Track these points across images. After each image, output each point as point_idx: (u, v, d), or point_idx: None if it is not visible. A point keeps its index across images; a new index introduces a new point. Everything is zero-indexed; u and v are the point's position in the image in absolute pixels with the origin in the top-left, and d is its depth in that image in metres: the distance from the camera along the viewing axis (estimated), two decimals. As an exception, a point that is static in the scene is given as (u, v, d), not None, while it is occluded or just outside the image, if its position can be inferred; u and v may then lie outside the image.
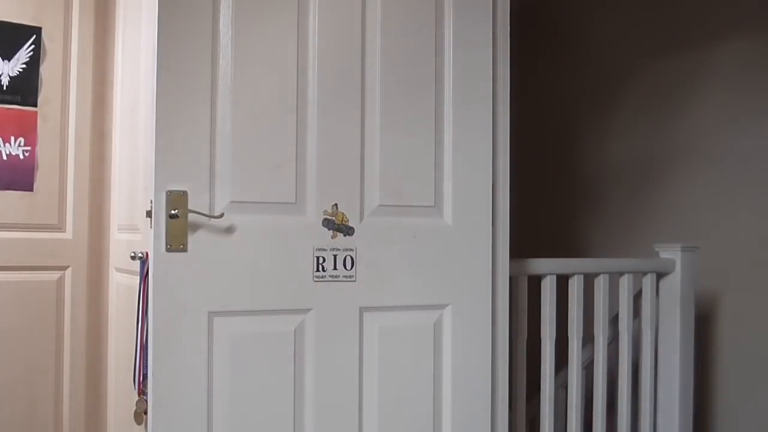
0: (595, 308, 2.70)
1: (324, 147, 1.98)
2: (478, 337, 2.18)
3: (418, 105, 2.11)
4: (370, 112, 2.05)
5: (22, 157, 2.64)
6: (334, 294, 1.98)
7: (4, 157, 2.61)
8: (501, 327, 2.26)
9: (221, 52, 1.87)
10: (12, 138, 2.62)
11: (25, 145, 2.65)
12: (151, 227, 1.80)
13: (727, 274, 3.37)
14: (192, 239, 1.81)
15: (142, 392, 2.07)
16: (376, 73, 2.05)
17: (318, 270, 1.96)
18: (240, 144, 1.88)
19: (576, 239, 4.11)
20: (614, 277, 2.74)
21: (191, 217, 1.81)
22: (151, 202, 1.80)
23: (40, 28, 2.67)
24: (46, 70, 2.68)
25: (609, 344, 2.76)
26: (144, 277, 2.06)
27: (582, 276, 2.65)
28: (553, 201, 4.25)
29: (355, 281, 2.01)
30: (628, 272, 2.76)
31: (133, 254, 2.12)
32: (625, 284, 2.76)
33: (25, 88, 2.64)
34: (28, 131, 2.65)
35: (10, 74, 2.62)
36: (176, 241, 1.79)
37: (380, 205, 2.05)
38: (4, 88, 2.61)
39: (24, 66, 2.64)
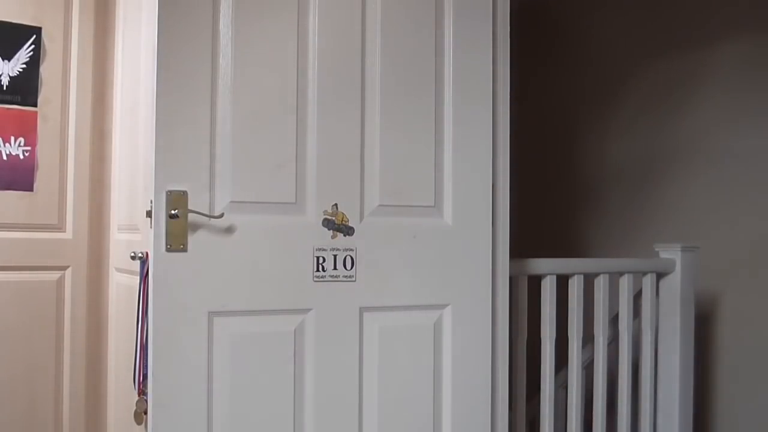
0: (595, 308, 2.70)
1: (324, 147, 1.98)
2: (478, 337, 2.18)
3: (418, 105, 2.11)
4: (370, 112, 2.05)
5: (22, 157, 2.64)
6: (334, 294, 1.98)
7: (4, 157, 2.61)
8: (501, 327, 2.26)
9: (221, 52, 1.87)
10: (12, 138, 2.62)
11: (25, 145, 2.65)
12: (151, 227, 1.80)
13: (727, 274, 3.37)
14: (192, 239, 1.81)
15: (142, 392, 2.07)
16: (376, 73, 2.05)
17: (318, 270, 1.96)
18: (240, 144, 1.88)
19: (576, 239, 4.11)
20: (614, 277, 2.74)
21: (191, 217, 1.81)
22: (151, 202, 1.80)
23: (40, 28, 2.67)
24: (46, 70, 2.68)
25: (609, 344, 2.76)
26: (144, 277, 2.06)
27: (582, 276, 2.65)
28: (553, 201, 4.25)
29: (355, 281, 2.01)
30: (628, 272, 2.76)
31: (133, 254, 2.12)
32: (625, 284, 2.76)
33: (25, 88, 2.64)
34: (28, 131, 2.65)
35: (10, 74, 2.62)
36: (176, 241, 1.79)
37: (380, 205, 2.06)
38: (4, 88, 2.61)
39: (24, 66, 2.64)
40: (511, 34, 2.29)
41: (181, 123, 1.81)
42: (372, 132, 2.05)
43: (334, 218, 1.99)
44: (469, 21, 2.17)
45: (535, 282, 2.55)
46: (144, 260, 2.07)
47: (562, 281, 2.62)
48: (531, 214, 4.13)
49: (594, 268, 2.70)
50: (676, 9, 3.63)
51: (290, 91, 1.94)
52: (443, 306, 2.14)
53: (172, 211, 1.78)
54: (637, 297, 2.86)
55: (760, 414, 3.25)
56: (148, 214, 1.83)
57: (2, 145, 2.61)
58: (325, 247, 1.97)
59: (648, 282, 2.82)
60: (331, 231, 1.98)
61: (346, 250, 2.00)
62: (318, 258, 1.96)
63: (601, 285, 2.69)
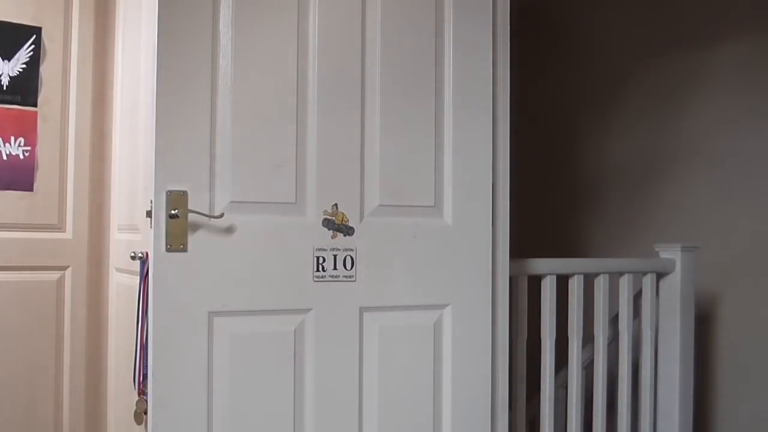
0: (595, 308, 2.70)
1: (324, 147, 1.98)
2: (478, 337, 2.18)
3: (418, 105, 2.11)
4: (370, 112, 2.05)
5: (22, 157, 2.64)
6: (334, 294, 1.98)
7: (4, 157, 2.61)
8: (501, 327, 2.26)
9: (221, 53, 1.87)
10: (12, 138, 2.62)
11: (25, 145, 2.65)
12: (151, 227, 1.80)
13: (727, 274, 3.37)
14: (192, 239, 1.81)
15: (142, 392, 2.07)
16: (376, 73, 2.05)
17: (318, 270, 1.96)
18: (240, 144, 1.88)
19: (576, 239, 4.11)
20: (614, 277, 2.74)
21: (191, 217, 1.81)
22: (151, 202, 1.80)
23: (40, 28, 2.67)
24: (46, 70, 2.68)
25: (609, 344, 2.76)
26: (144, 277, 2.06)
27: (582, 276, 2.65)
28: (554, 201, 4.25)
29: (355, 281, 2.01)
30: (628, 272, 2.76)
31: (133, 254, 2.12)
32: (625, 284, 2.76)
33: (25, 88, 2.64)
34: (28, 131, 2.65)
35: (10, 74, 2.62)
36: (176, 241, 1.79)
37: (380, 205, 2.06)
38: (4, 88, 2.61)
39: (24, 66, 2.64)
40: (512, 34, 2.29)
41: (181, 123, 1.81)
42: (372, 132, 2.05)
43: (334, 218, 1.99)
44: (468, 21, 2.17)
45: (535, 282, 2.55)
46: (144, 260, 2.07)
47: (562, 281, 2.62)
48: (531, 214, 4.13)
49: (594, 268, 2.70)
50: (676, 9, 3.63)
51: (290, 91, 1.94)
52: (443, 306, 2.14)
53: (172, 211, 1.78)
54: (637, 297, 2.86)
55: (760, 414, 3.25)
56: (148, 214, 1.83)
57: (2, 145, 2.61)
58: (325, 247, 1.97)
59: (648, 282, 2.82)
60: (331, 231, 1.98)
61: (346, 250, 2.00)
62: (318, 258, 1.96)
63: (601, 285, 2.69)
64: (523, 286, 2.53)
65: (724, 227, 3.40)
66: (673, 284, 2.87)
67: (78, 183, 2.72)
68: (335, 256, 1.98)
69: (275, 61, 1.92)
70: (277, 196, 1.93)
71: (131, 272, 2.31)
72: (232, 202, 1.87)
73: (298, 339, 1.95)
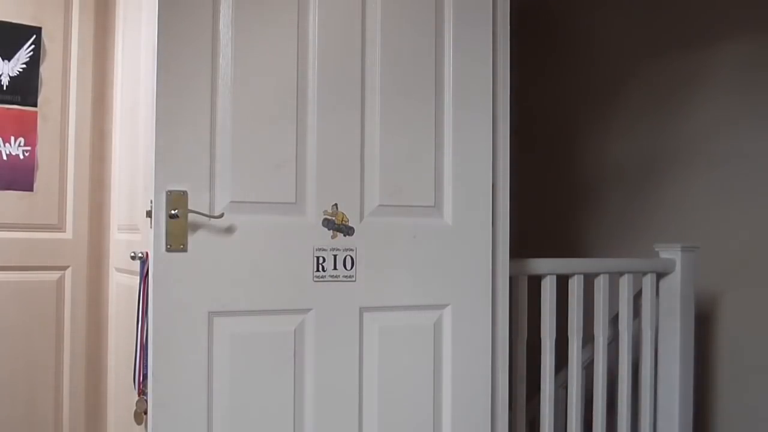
0: (595, 308, 2.70)
1: (324, 147, 1.98)
2: (478, 337, 2.18)
3: (418, 105, 2.10)
4: (370, 112, 2.05)
5: (22, 157, 2.64)
6: (334, 294, 1.98)
7: (4, 157, 2.61)
8: (501, 327, 2.26)
9: (221, 53, 1.87)
10: (12, 138, 2.62)
11: (25, 145, 2.65)
12: (151, 227, 1.80)
13: (727, 274, 3.37)
14: (192, 239, 1.81)
15: (142, 392, 2.07)
16: (376, 73, 2.05)
17: (318, 270, 1.96)
18: (240, 144, 1.88)
19: (576, 239, 4.11)
20: (614, 277, 2.74)
21: (191, 217, 1.81)
22: (151, 202, 1.80)
23: (40, 28, 2.67)
24: (46, 70, 2.68)
25: (609, 344, 2.76)
26: (144, 277, 2.06)
27: (582, 276, 2.65)
28: (554, 201, 4.25)
29: (355, 281, 2.01)
30: (628, 272, 2.76)
31: (133, 254, 2.12)
32: (625, 284, 2.76)
33: (25, 88, 2.64)
34: (28, 131, 2.65)
35: (10, 74, 2.62)
36: (176, 241, 1.79)
37: (380, 205, 2.06)
38: (4, 88, 2.61)
39: (24, 66, 2.64)
40: (512, 34, 2.29)
41: (181, 123, 1.81)
42: (372, 132, 2.05)
43: (334, 218, 1.99)
44: (468, 20, 2.17)
45: (535, 282, 2.55)
46: (144, 260, 2.07)
47: (562, 281, 2.62)
48: (531, 214, 4.13)
49: (594, 268, 2.70)
50: (677, 9, 3.63)
51: (290, 91, 1.94)
52: (443, 306, 2.14)
53: (172, 211, 1.78)
54: (637, 297, 2.86)
55: (760, 414, 3.25)
56: (148, 214, 1.83)
57: (2, 145, 2.61)
58: (325, 247, 1.97)
59: (648, 282, 2.82)
60: (331, 231, 1.98)
61: (346, 250, 2.00)
62: (318, 258, 1.96)
63: (601, 285, 2.69)
64: (523, 286, 2.53)
65: (724, 227, 3.40)
66: (673, 284, 2.87)
67: (78, 183, 2.72)
68: (335, 256, 1.98)
69: (275, 61, 1.92)
70: (277, 196, 1.92)
71: (131, 272, 2.31)
72: (232, 202, 1.87)
73: (298, 339, 1.95)
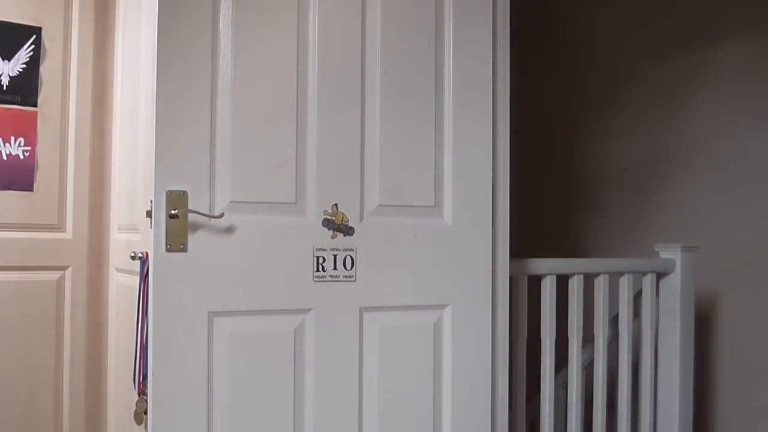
0: (595, 308, 2.70)
1: (324, 147, 1.98)
2: (478, 337, 2.18)
3: (418, 104, 2.10)
4: (370, 112, 2.05)
5: (22, 157, 2.64)
6: (334, 294, 1.98)
7: (4, 157, 2.61)
8: (501, 327, 2.26)
9: (221, 53, 1.87)
10: (12, 138, 2.62)
11: (25, 145, 2.65)
12: (151, 227, 1.80)
13: (727, 274, 3.37)
14: (192, 239, 1.81)
15: (142, 392, 2.07)
16: (376, 73, 2.05)
17: (318, 270, 1.96)
18: (240, 144, 1.88)
19: (577, 239, 4.11)
20: (614, 277, 2.74)
21: (191, 217, 1.81)
22: (151, 202, 1.80)
23: (40, 28, 2.67)
24: (46, 70, 2.68)
25: (609, 344, 2.76)
26: (144, 277, 2.06)
27: (582, 276, 2.65)
28: (554, 201, 4.25)
29: (355, 281, 2.01)
30: (628, 272, 2.76)
31: (133, 254, 2.12)
32: (625, 284, 2.76)
33: (25, 88, 2.64)
34: (28, 131, 2.65)
35: (10, 74, 2.62)
36: (176, 241, 1.79)
37: (380, 205, 2.06)
38: (4, 88, 2.61)
39: (24, 66, 2.64)
40: (512, 33, 2.29)
41: (181, 123, 1.81)
42: (372, 132, 2.05)
43: (334, 218, 1.99)
44: (468, 21, 2.17)
45: (535, 282, 2.55)
46: (144, 260, 2.07)
47: (562, 281, 2.62)
48: (531, 214, 4.13)
49: (594, 268, 2.70)
50: (677, 9, 3.63)
51: (290, 91, 1.94)
52: (443, 306, 2.14)
53: (172, 211, 1.78)
54: (637, 297, 2.86)
55: (761, 414, 3.25)
56: (148, 214, 1.83)
57: (2, 145, 2.61)
58: (325, 247, 1.97)
59: (648, 282, 2.82)
60: (331, 231, 1.98)
61: (346, 250, 2.00)
62: (318, 258, 1.96)
63: (601, 285, 2.69)
64: (523, 286, 2.52)
65: (724, 227, 3.40)
66: (673, 284, 2.87)
67: (78, 183, 2.72)
68: (335, 256, 1.98)
69: (275, 61, 1.92)
70: (277, 196, 1.92)
71: (131, 272, 2.31)
72: (232, 202, 1.87)
73: (298, 339, 1.95)
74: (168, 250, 1.79)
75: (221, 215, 1.83)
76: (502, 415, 2.27)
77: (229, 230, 1.86)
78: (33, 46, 2.65)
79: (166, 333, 1.79)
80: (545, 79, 4.30)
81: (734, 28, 3.39)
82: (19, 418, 2.62)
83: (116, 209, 2.61)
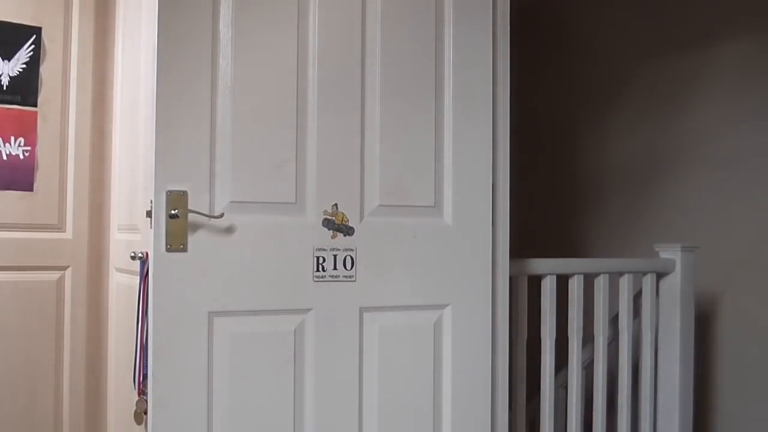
0: (595, 308, 2.70)
1: (324, 147, 1.98)
2: (478, 337, 2.18)
3: (418, 105, 2.10)
4: (370, 112, 2.05)
5: (22, 157, 2.64)
6: (334, 294, 1.98)
7: (4, 157, 2.61)
8: (501, 327, 2.26)
9: (221, 53, 1.87)
10: (12, 138, 2.62)
11: (25, 145, 2.65)
12: (151, 227, 1.80)
13: (727, 274, 3.37)
14: (192, 239, 1.81)
15: (142, 392, 2.07)
16: (376, 73, 2.05)
17: (318, 270, 1.96)
18: (240, 144, 1.88)
19: (577, 239, 4.11)
20: (614, 277, 2.74)
21: (191, 217, 1.81)
22: (151, 202, 1.80)
23: (40, 28, 2.67)
24: (46, 70, 2.68)
25: (609, 344, 2.76)
26: (144, 277, 2.06)
27: (582, 276, 2.65)
28: (554, 201, 4.25)
29: (355, 281, 2.01)
30: (628, 272, 2.76)
31: (133, 254, 2.12)
32: (625, 284, 2.76)
33: (25, 88, 2.64)
34: (28, 131, 2.65)
35: (10, 74, 2.62)
36: (176, 241, 1.79)
37: (380, 205, 2.06)
38: (4, 88, 2.61)
39: (24, 66, 2.64)
40: (512, 34, 2.29)
41: (181, 123, 1.81)
42: (372, 132, 2.05)
43: (334, 218, 1.99)
44: (468, 22, 2.17)
45: (535, 282, 2.55)
46: (144, 260, 2.07)
47: (562, 281, 2.62)
48: (531, 214, 4.13)
49: (594, 268, 2.70)
50: (678, 9, 3.63)
51: (290, 91, 1.94)
52: (443, 306, 2.14)
53: (172, 211, 1.78)
54: (637, 297, 2.86)
55: (760, 414, 3.25)
56: (148, 214, 1.83)
57: (2, 145, 2.61)
58: (325, 247, 1.97)
59: (648, 282, 2.82)
60: (331, 231, 1.98)
61: (346, 250, 2.00)
62: (318, 258, 1.96)
63: (601, 285, 2.69)
64: (523, 286, 2.52)
65: (724, 227, 3.40)
66: (673, 284, 2.87)
67: (78, 183, 2.72)
68: (335, 256, 1.98)
69: (275, 61, 1.92)
70: (277, 196, 1.93)
71: (131, 272, 2.31)
72: (232, 202, 1.87)
73: (298, 339, 1.95)
74: (168, 250, 1.79)
75: (221, 215, 1.83)
76: (502, 415, 2.27)
77: (229, 230, 1.86)
78: (33, 46, 2.65)
79: (166, 333, 1.79)
80: (546, 79, 4.30)
81: (735, 29, 3.39)
82: (19, 418, 2.62)
83: (116, 209, 2.61)
